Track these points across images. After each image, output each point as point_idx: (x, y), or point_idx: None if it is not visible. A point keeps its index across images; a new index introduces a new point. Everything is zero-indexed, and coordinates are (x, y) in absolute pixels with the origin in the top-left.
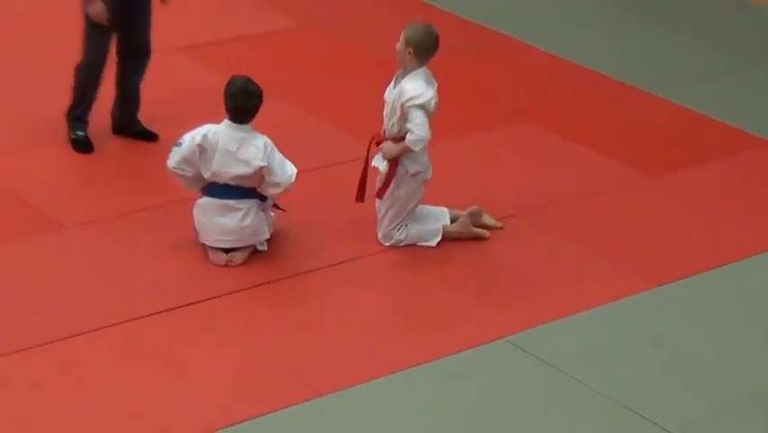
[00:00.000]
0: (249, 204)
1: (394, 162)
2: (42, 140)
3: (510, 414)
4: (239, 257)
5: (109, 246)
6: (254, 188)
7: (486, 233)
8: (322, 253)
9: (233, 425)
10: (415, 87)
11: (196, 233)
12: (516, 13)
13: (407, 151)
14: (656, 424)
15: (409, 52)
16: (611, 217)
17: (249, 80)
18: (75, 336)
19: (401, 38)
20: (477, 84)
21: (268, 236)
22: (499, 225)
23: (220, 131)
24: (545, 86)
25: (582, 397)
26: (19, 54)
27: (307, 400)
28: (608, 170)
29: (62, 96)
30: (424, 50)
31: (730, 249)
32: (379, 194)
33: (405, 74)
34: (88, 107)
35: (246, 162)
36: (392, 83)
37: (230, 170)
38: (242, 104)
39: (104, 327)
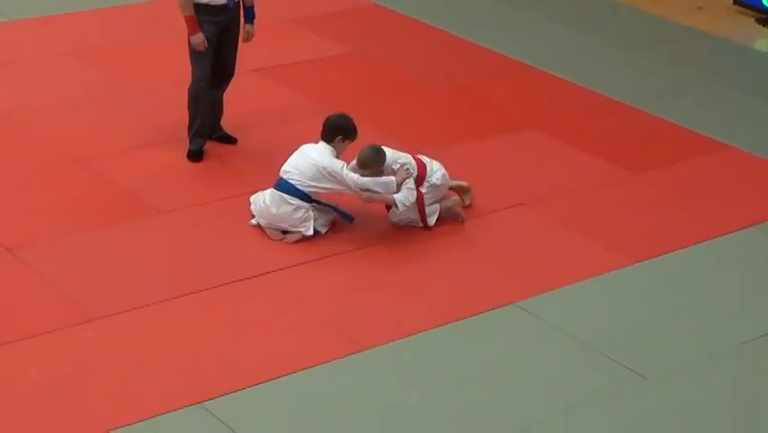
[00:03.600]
0: (300, 203)
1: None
2: (143, 143)
3: (517, 365)
4: (291, 238)
5: (196, 228)
6: (310, 196)
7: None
8: (357, 238)
9: (290, 374)
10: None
11: (252, 216)
12: (526, 43)
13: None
14: (635, 372)
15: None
16: (602, 206)
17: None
18: (165, 300)
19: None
20: (489, 99)
21: (311, 233)
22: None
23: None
24: (548, 100)
25: (578, 351)
26: (123, 78)
27: (354, 353)
28: (599, 168)
29: (160, 110)
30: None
31: (700, 231)
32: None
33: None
34: (203, 123)
35: (312, 163)
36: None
37: (298, 165)
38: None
39: (189, 294)
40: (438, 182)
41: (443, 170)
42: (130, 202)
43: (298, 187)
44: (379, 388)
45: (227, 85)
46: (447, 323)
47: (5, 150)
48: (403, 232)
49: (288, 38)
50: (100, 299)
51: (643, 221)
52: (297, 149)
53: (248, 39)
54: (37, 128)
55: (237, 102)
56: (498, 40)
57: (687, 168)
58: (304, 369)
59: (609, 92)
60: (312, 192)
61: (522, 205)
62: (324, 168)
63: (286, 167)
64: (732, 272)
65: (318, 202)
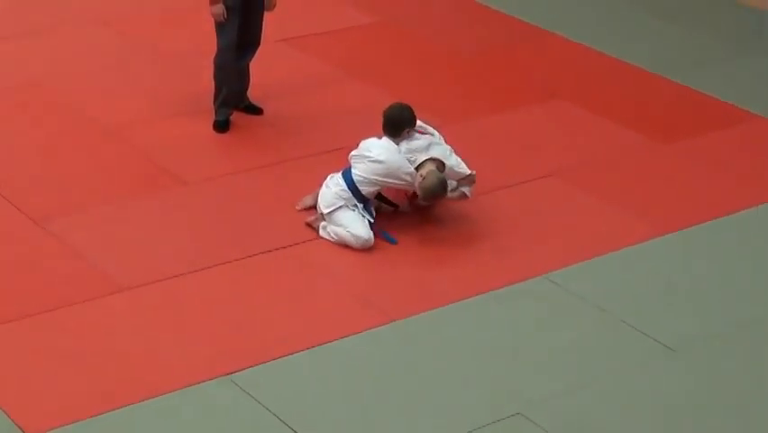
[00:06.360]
0: (349, 195)
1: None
2: (169, 113)
3: (546, 336)
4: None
5: (222, 200)
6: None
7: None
8: (388, 215)
9: (318, 346)
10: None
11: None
12: (549, 9)
13: None
14: (661, 343)
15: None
16: (630, 176)
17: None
18: (192, 272)
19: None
20: (516, 68)
21: (320, 234)
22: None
23: None
24: (576, 70)
25: (608, 324)
26: (151, 46)
27: (384, 325)
28: (626, 138)
29: (187, 79)
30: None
31: (731, 202)
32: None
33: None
34: (230, 93)
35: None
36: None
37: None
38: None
39: (216, 265)
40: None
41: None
42: (156, 173)
43: (356, 182)
44: (408, 360)
45: (254, 54)
46: (475, 295)
47: (33, 119)
48: (432, 204)
49: (315, 7)
50: (128, 270)
51: (672, 192)
52: (324, 120)
53: (270, 8)
54: (63, 97)
55: (264, 72)
56: (526, 7)
57: (717, 138)
58: (332, 341)
59: (637, 61)
60: (367, 190)
61: (550, 176)
62: (390, 168)
63: (354, 161)
64: (763, 244)
65: (366, 207)
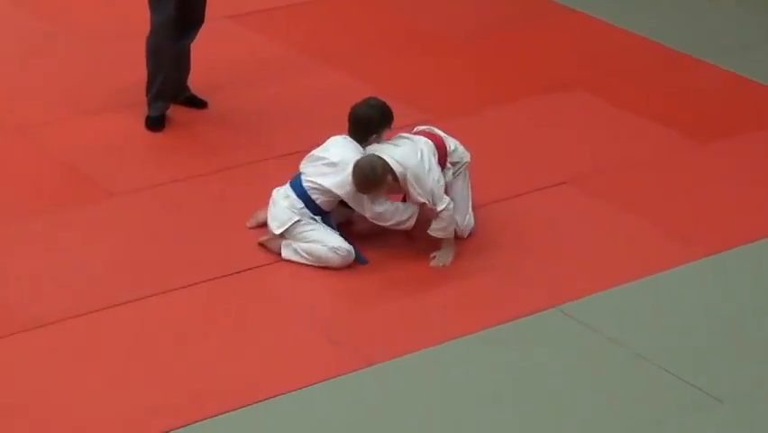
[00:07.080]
0: (302, 209)
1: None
2: (93, 108)
3: (561, 381)
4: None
5: (157, 215)
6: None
7: None
8: (373, 235)
9: (276, 396)
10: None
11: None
12: None
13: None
14: (705, 391)
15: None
16: (662, 185)
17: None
18: (119, 304)
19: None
20: (520, 51)
21: (284, 255)
22: None
23: None
24: (595, 52)
25: (635, 366)
26: (74, 28)
27: (360, 370)
28: (657, 137)
29: (117, 67)
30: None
31: None
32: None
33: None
34: (165, 83)
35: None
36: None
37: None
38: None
39: (148, 297)
40: (462, 161)
41: (460, 146)
42: (77, 182)
43: (307, 189)
44: (389, 413)
45: (195, 34)
46: (475, 331)
47: None
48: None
49: None
50: (40, 302)
51: (713, 204)
52: (282, 116)
53: None
54: None
55: (208, 56)
56: None
57: (765, 136)
58: (294, 390)
59: (670, 41)
60: (322, 200)
61: (564, 183)
62: (345, 170)
63: (306, 169)
64: None
65: (325, 219)
